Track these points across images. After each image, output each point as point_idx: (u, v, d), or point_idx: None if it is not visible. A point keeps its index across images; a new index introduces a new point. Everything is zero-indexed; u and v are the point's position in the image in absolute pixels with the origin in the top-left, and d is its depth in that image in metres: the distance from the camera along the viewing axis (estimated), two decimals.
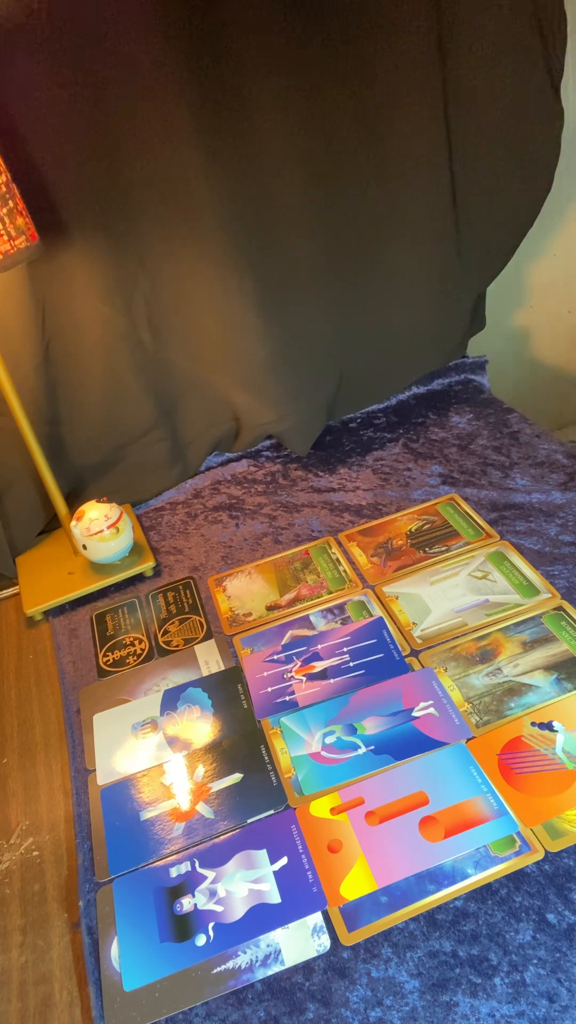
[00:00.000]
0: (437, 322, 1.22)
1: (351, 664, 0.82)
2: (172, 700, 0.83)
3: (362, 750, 0.72)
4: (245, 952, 0.59)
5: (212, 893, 0.63)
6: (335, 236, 1.07)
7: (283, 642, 0.88)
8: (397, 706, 0.76)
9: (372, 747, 0.72)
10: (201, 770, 0.74)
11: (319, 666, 0.83)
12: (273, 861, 0.65)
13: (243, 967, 0.58)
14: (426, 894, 0.60)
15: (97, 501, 0.99)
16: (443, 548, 0.97)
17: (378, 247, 1.11)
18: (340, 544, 1.02)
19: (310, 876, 0.63)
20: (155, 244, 1.00)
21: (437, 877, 0.61)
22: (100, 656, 0.92)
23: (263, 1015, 0.56)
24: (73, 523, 0.99)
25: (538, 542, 0.94)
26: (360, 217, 1.07)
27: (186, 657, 0.89)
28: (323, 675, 0.82)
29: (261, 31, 0.89)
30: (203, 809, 0.70)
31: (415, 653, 0.82)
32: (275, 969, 0.58)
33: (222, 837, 0.68)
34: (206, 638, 0.91)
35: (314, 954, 0.58)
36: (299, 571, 0.99)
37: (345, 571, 0.97)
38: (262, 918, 0.61)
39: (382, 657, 0.82)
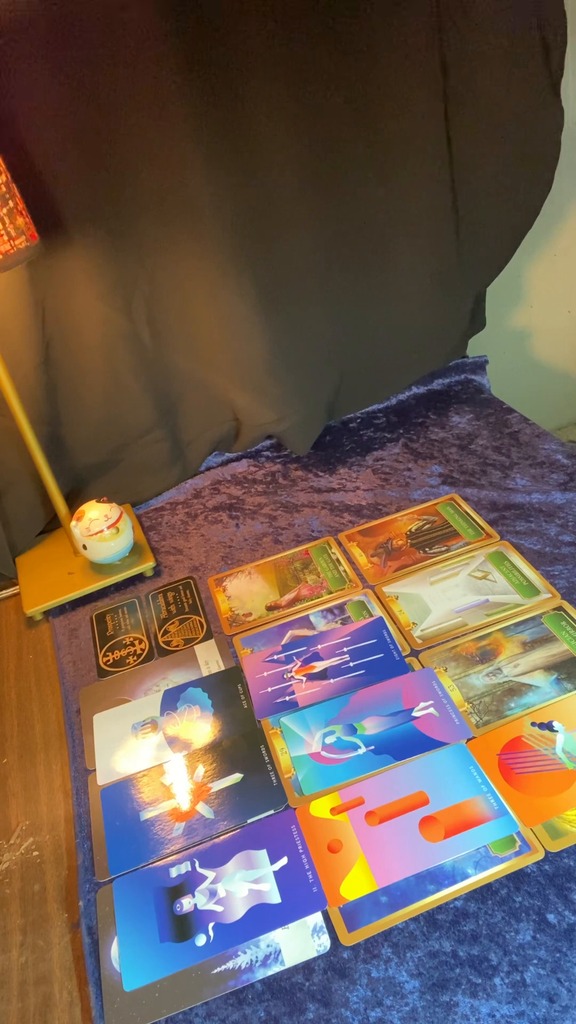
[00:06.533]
0: (437, 322, 1.22)
1: (351, 664, 0.82)
2: (172, 700, 0.83)
3: (362, 750, 0.72)
4: (245, 952, 0.59)
5: (212, 893, 0.63)
6: (335, 236, 1.07)
7: (283, 642, 0.88)
8: (397, 706, 0.76)
9: (372, 747, 0.72)
10: (201, 770, 0.74)
11: (319, 666, 0.83)
12: (273, 861, 0.65)
13: (243, 967, 0.58)
14: (426, 894, 0.60)
15: (97, 501, 0.99)
16: (443, 548, 0.97)
17: (378, 247, 1.11)
18: (340, 544, 1.02)
19: (310, 876, 0.63)
20: (155, 244, 1.00)
21: (437, 877, 0.61)
22: (100, 656, 0.92)
23: (263, 1015, 0.56)
24: (73, 523, 0.99)
25: (538, 542, 0.94)
26: (360, 217, 1.07)
27: (186, 657, 0.89)
28: (323, 675, 0.82)
29: (261, 31, 0.89)
30: (203, 809, 0.70)
31: (415, 653, 0.82)
32: (275, 969, 0.58)
33: (222, 837, 0.68)
34: (206, 638, 0.91)
35: (314, 954, 0.58)
36: (299, 571, 0.99)
37: (345, 571, 0.97)
38: (262, 918, 0.61)
39: (382, 657, 0.82)
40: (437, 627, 0.85)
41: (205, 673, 0.86)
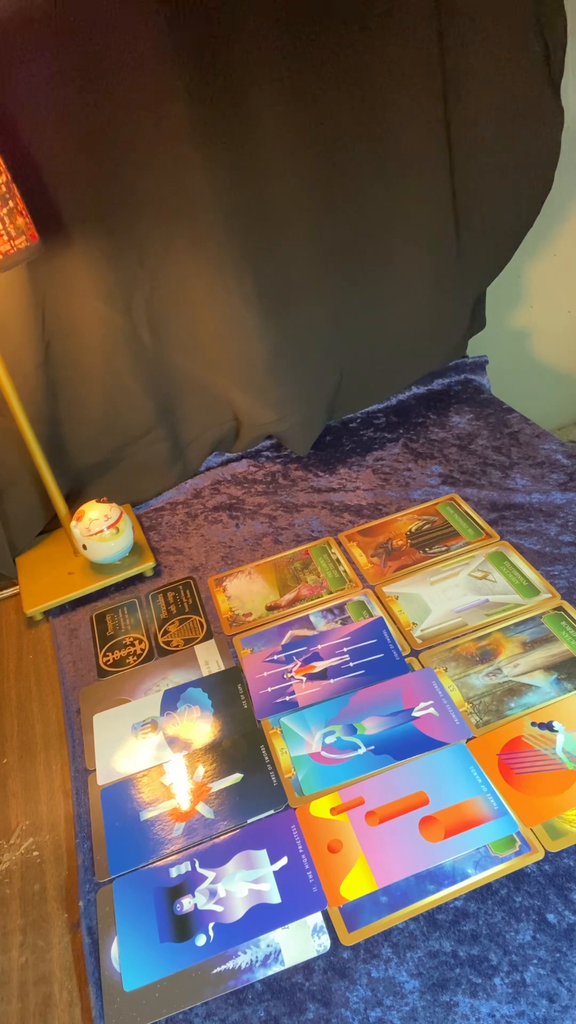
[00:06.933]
0: (437, 322, 1.22)
1: (351, 664, 0.82)
2: (172, 700, 0.83)
3: (362, 750, 0.72)
4: (245, 952, 0.59)
5: (212, 893, 0.63)
6: (335, 236, 1.07)
7: (283, 642, 0.88)
8: (397, 706, 0.76)
9: (372, 747, 0.72)
10: (201, 770, 0.74)
11: (319, 666, 0.83)
12: (273, 861, 0.65)
13: (243, 967, 0.58)
14: (426, 894, 0.60)
15: (97, 501, 0.99)
16: (443, 548, 0.97)
17: (378, 247, 1.11)
18: (340, 544, 1.02)
19: (310, 876, 0.63)
20: (155, 244, 1.00)
21: (437, 877, 0.61)
22: (100, 656, 0.92)
23: (263, 1015, 0.56)
24: (73, 523, 0.99)
25: (538, 542, 0.94)
26: (360, 217, 1.07)
27: (186, 657, 0.89)
28: (323, 675, 0.82)
29: (262, 32, 0.89)
30: (203, 809, 0.70)
31: (415, 653, 0.82)
32: (275, 969, 0.58)
33: (222, 837, 0.68)
34: (206, 638, 0.91)
35: (314, 954, 0.58)
36: (299, 571, 0.99)
37: (345, 571, 0.97)
38: (262, 918, 0.61)
39: (382, 657, 0.82)
40: (437, 627, 0.85)
41: (205, 673, 0.86)
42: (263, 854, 0.65)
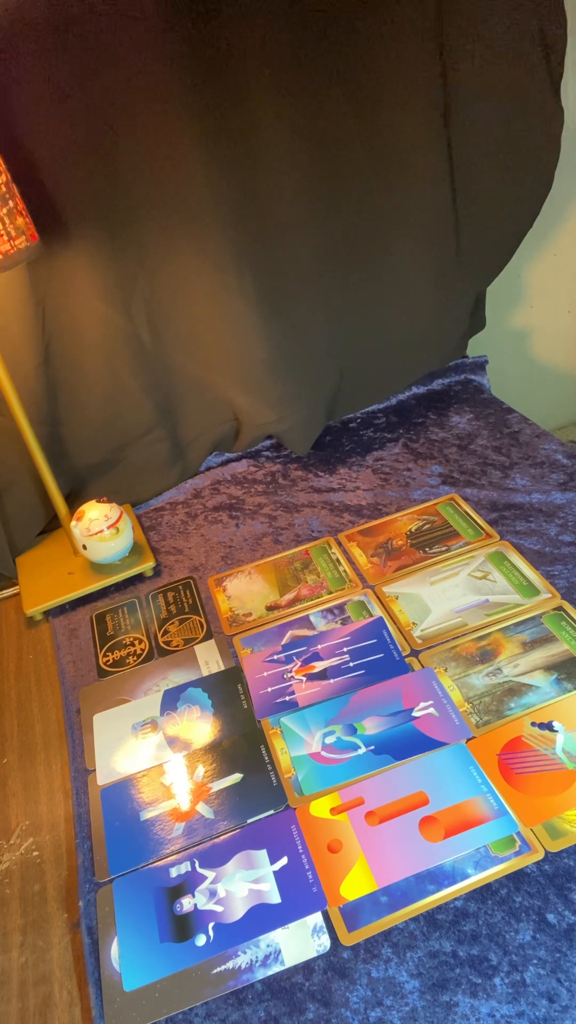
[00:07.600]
0: (437, 322, 1.22)
1: (351, 664, 0.82)
2: (172, 700, 0.83)
3: (362, 750, 0.72)
4: (245, 952, 0.59)
5: (212, 893, 0.63)
6: (335, 236, 1.07)
7: (283, 642, 0.88)
8: (397, 706, 0.76)
9: (372, 747, 0.72)
10: (201, 770, 0.74)
11: (319, 666, 0.83)
12: (273, 861, 0.65)
13: (243, 967, 0.58)
14: (426, 894, 0.60)
15: (97, 501, 0.99)
16: (443, 548, 0.97)
17: (378, 247, 1.11)
18: (340, 544, 1.02)
19: (310, 876, 0.63)
20: (155, 244, 1.00)
21: (437, 877, 0.61)
22: (100, 656, 0.92)
23: (263, 1015, 0.56)
24: (73, 523, 0.99)
25: (538, 542, 0.94)
26: (360, 217, 1.07)
27: (186, 657, 0.89)
28: (323, 675, 0.82)
29: (262, 32, 0.89)
30: (203, 809, 0.70)
31: (415, 653, 0.82)
32: (275, 969, 0.58)
33: (222, 837, 0.68)
34: (206, 638, 0.91)
35: (314, 954, 0.58)
36: (299, 571, 0.99)
37: (345, 571, 0.97)
38: (262, 918, 0.61)
39: (382, 657, 0.82)
40: (437, 627, 0.85)
41: (205, 673, 0.86)
42: (263, 854, 0.65)
